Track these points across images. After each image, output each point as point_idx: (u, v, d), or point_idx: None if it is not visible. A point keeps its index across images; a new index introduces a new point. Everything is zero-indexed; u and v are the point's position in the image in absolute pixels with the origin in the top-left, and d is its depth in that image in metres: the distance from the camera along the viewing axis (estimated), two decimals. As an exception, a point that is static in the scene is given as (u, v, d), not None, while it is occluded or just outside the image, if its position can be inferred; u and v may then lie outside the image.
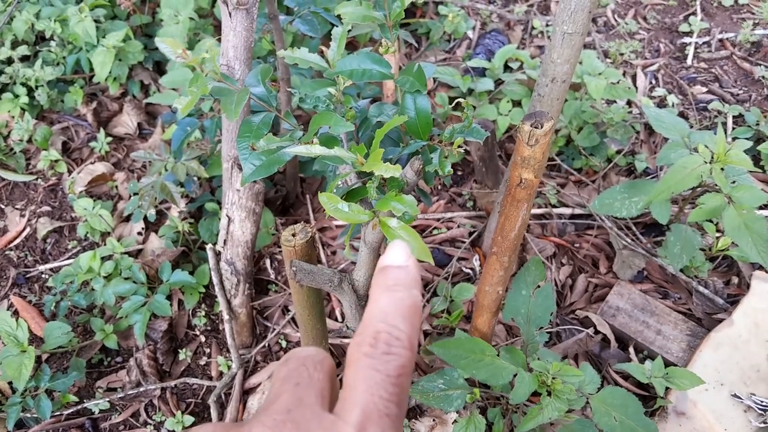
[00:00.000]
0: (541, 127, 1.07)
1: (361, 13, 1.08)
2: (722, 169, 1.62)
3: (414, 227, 2.09)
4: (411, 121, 1.12)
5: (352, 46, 2.51)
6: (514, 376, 1.30)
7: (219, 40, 2.38)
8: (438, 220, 2.10)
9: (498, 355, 1.34)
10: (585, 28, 1.34)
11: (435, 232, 2.07)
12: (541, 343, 1.45)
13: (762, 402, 1.60)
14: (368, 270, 1.19)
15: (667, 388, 1.56)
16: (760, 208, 1.99)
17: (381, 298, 0.46)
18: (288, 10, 2.27)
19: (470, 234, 2.04)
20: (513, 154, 1.15)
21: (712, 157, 1.63)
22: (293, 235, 1.22)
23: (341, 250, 2.02)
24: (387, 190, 1.05)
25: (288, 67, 1.78)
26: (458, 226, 2.07)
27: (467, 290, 1.82)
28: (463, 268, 1.95)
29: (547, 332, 1.80)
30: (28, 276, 2.07)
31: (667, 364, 1.68)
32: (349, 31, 1.27)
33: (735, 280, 1.89)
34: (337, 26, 1.20)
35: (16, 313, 1.95)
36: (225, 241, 1.69)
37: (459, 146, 1.00)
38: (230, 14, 1.36)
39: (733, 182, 1.71)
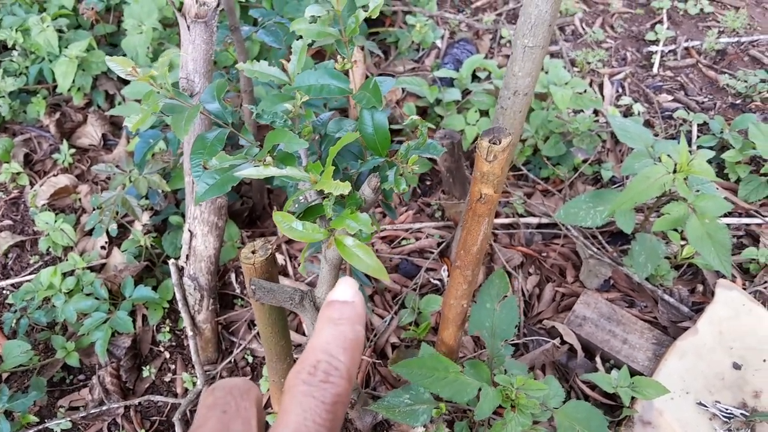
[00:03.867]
0: (500, 143, 1.06)
1: (316, 30, 1.06)
2: (686, 178, 1.64)
3: (383, 238, 2.08)
4: (369, 136, 1.11)
5: (319, 55, 2.50)
6: (479, 391, 1.29)
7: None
8: (407, 230, 2.09)
9: (462, 370, 1.33)
10: (546, 41, 1.34)
11: (404, 242, 2.06)
12: (507, 356, 1.44)
13: (727, 410, 1.61)
14: (330, 287, 1.18)
15: (633, 398, 1.56)
16: (723, 216, 2.01)
17: (324, 330, 0.49)
18: (254, 21, 2.25)
19: (438, 244, 2.03)
20: (473, 170, 1.14)
21: (676, 167, 1.64)
22: (253, 252, 1.20)
23: (308, 264, 2.00)
24: (346, 205, 1.04)
25: (251, 79, 1.76)
26: (427, 237, 2.06)
27: (435, 302, 1.81)
28: (432, 279, 1.94)
29: (514, 343, 1.80)
30: (-13, 292, 2.02)
31: (634, 373, 1.68)
32: (312, 43, 1.26)
33: (700, 288, 1.90)
34: (302, 37, 1.19)
35: (-26, 331, 1.90)
36: (188, 256, 1.66)
37: (414, 164, 0.99)
38: (189, 27, 1.34)
39: (698, 191, 1.72)
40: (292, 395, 0.43)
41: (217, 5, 1.33)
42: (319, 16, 1.10)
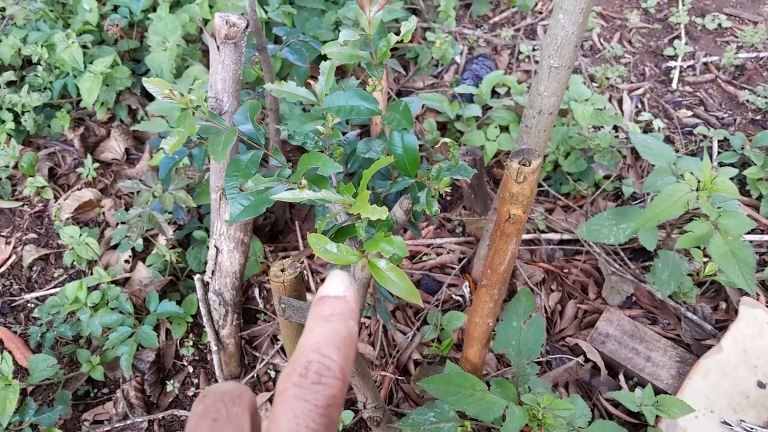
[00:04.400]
0: (529, 165, 1.07)
1: (347, 53, 1.08)
2: (708, 196, 1.64)
3: (403, 253, 2.09)
4: (399, 158, 1.12)
5: (341, 71, 2.52)
6: (505, 409, 1.29)
7: (207, 65, 2.38)
8: (428, 246, 2.10)
9: (488, 388, 1.33)
10: (571, 61, 1.35)
11: (425, 258, 2.07)
12: (532, 375, 1.44)
13: (752, 428, 1.60)
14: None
15: (657, 416, 1.56)
16: (747, 233, 2.00)
17: (315, 328, 0.46)
18: (276, 38, 2.28)
19: (460, 260, 2.04)
20: (501, 190, 1.15)
21: (699, 185, 1.64)
22: (282, 270, 1.21)
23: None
24: (377, 227, 1.05)
25: (276, 98, 1.78)
26: (448, 252, 2.07)
27: (458, 318, 1.81)
28: (453, 295, 1.95)
29: (537, 361, 1.80)
30: (13, 305, 2.04)
31: (657, 391, 1.68)
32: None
33: (723, 305, 1.90)
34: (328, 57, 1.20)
35: (1, 344, 1.92)
36: (213, 272, 1.68)
37: (446, 186, 1.00)
38: (218, 48, 1.36)
39: (719, 208, 1.72)
40: (283, 399, 0.41)
41: (246, 26, 1.35)
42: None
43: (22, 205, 2.31)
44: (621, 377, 1.76)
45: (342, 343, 0.45)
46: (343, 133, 1.34)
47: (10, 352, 1.81)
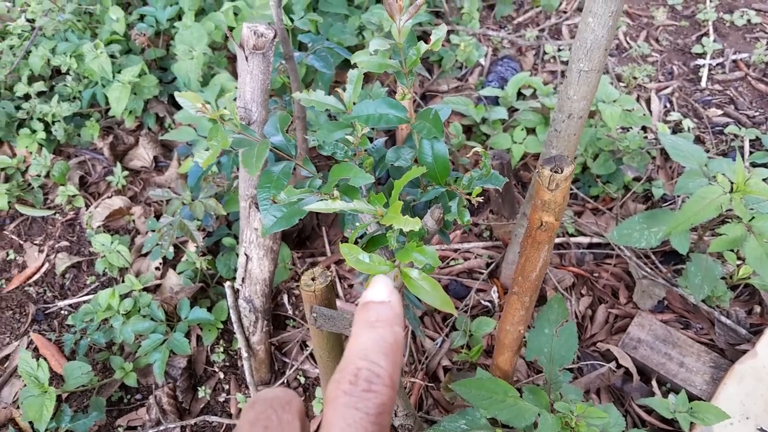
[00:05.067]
0: (561, 172, 1.06)
1: (377, 62, 1.08)
2: (742, 198, 1.61)
3: (430, 258, 2.08)
4: (429, 166, 1.12)
5: (366, 77, 2.52)
6: (537, 417, 1.28)
7: (232, 72, 2.40)
8: (455, 251, 2.09)
9: (521, 395, 1.33)
10: (601, 65, 1.33)
11: (452, 263, 2.06)
12: (564, 382, 1.43)
13: (789, 435, 1.57)
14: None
15: (691, 423, 1.53)
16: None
17: (362, 335, 0.46)
18: (301, 45, 2.29)
19: (488, 265, 2.03)
20: (533, 197, 1.14)
21: (732, 187, 1.61)
22: (313, 279, 1.22)
23: (359, 286, 2.01)
24: (408, 236, 1.04)
25: (304, 106, 1.79)
26: (475, 257, 2.06)
27: (487, 324, 1.80)
28: (482, 301, 1.94)
29: (569, 368, 1.78)
30: (47, 312, 2.08)
31: (691, 397, 1.65)
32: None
33: (757, 309, 1.86)
34: (349, 58, 1.21)
35: (36, 351, 1.96)
36: (243, 279, 1.69)
37: (477, 195, 1.00)
38: (246, 58, 1.37)
39: (752, 209, 1.69)
40: (334, 408, 0.41)
41: (274, 36, 1.36)
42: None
43: (54, 214, 2.35)
44: (654, 383, 1.73)
45: (389, 350, 0.45)
46: (371, 139, 1.34)
47: (45, 359, 1.84)
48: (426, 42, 1.10)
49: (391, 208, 0.91)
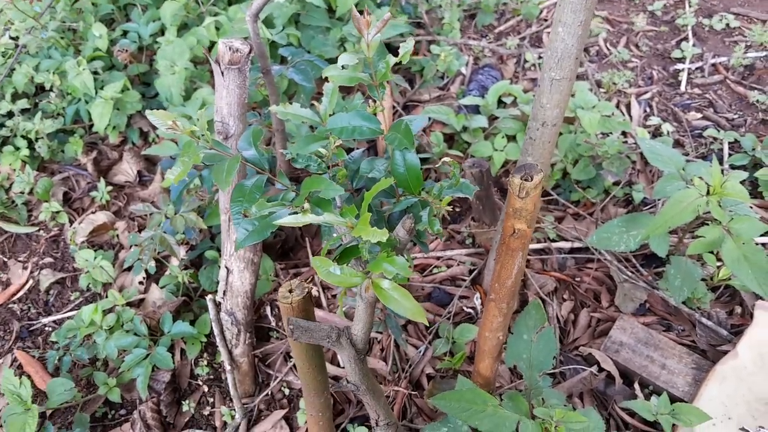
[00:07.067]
0: (531, 179, 1.08)
1: (347, 76, 1.09)
2: (719, 201, 1.63)
3: (414, 266, 2.09)
4: (401, 177, 1.13)
5: (346, 88, 2.53)
6: (518, 424, 1.29)
7: (215, 87, 2.41)
8: (438, 258, 2.10)
9: (501, 403, 1.33)
10: (573, 73, 1.35)
11: (435, 270, 2.07)
12: (544, 387, 1.44)
13: (771, 435, 1.58)
14: (365, 324, 1.19)
15: (674, 425, 1.55)
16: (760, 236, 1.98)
17: None
18: (282, 58, 2.30)
19: (470, 272, 2.04)
20: (505, 205, 1.16)
21: (708, 190, 1.63)
22: (290, 291, 1.22)
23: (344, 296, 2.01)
24: (381, 247, 1.05)
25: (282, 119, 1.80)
26: (458, 264, 2.07)
27: (469, 331, 1.81)
28: (465, 308, 1.95)
29: (551, 373, 1.79)
30: (31, 329, 2.07)
31: (674, 399, 1.66)
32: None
33: (738, 309, 1.88)
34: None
35: (20, 368, 1.95)
36: (224, 292, 1.69)
37: (447, 204, 1.01)
38: (222, 73, 1.38)
39: (731, 212, 1.71)
40: None
41: (250, 51, 1.37)
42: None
43: (38, 230, 2.35)
44: (636, 386, 1.74)
45: None
46: (350, 150, 1.35)
47: (29, 377, 1.84)
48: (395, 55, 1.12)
49: (360, 220, 0.92)
